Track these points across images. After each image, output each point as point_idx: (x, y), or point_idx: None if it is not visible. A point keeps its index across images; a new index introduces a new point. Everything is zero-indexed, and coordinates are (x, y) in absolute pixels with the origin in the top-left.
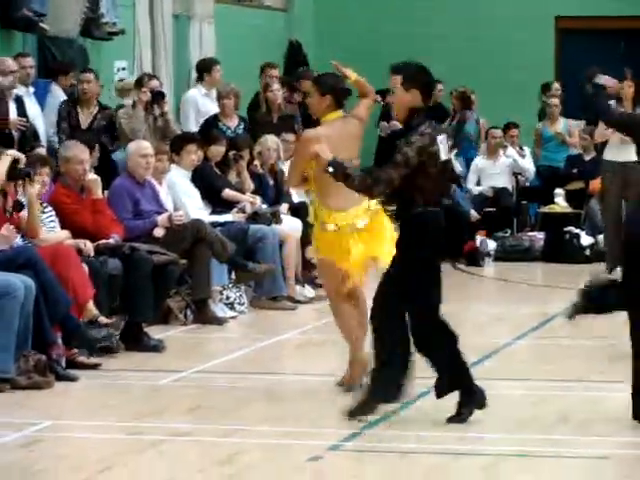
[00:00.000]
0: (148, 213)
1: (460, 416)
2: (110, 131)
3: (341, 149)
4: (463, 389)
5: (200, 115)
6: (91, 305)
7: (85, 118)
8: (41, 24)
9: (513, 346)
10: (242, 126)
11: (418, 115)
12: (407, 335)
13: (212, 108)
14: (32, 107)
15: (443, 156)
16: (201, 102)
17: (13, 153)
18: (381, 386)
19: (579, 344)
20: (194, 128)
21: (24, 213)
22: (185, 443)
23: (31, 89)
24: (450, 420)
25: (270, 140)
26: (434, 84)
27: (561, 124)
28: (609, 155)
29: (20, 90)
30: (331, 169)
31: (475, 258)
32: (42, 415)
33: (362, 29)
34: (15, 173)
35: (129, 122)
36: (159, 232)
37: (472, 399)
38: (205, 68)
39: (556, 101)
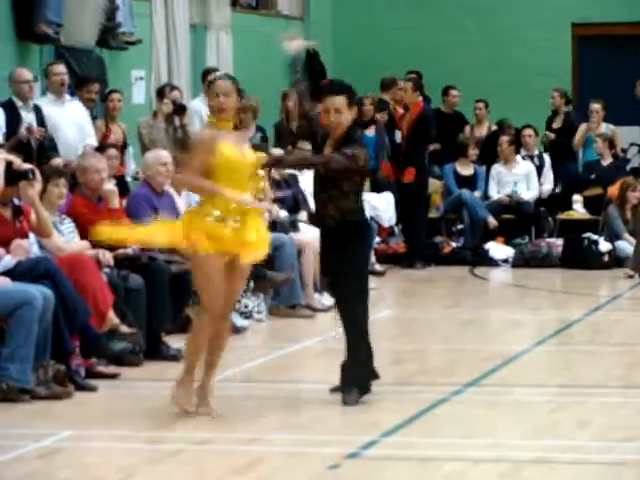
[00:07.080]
0: None
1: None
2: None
3: None
4: None
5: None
6: (112, 314)
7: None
8: (58, 35)
9: (532, 352)
10: (259, 135)
11: (355, 129)
12: None
13: None
14: None
15: None
16: (205, 112)
17: (4, 157)
18: None
19: (598, 350)
20: None
21: (32, 217)
22: (204, 452)
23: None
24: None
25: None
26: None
27: (602, 128)
28: None
29: (41, 100)
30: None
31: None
32: (61, 425)
33: (379, 38)
34: (13, 176)
35: (149, 132)
36: None
37: None
38: (202, 77)
39: (598, 107)
